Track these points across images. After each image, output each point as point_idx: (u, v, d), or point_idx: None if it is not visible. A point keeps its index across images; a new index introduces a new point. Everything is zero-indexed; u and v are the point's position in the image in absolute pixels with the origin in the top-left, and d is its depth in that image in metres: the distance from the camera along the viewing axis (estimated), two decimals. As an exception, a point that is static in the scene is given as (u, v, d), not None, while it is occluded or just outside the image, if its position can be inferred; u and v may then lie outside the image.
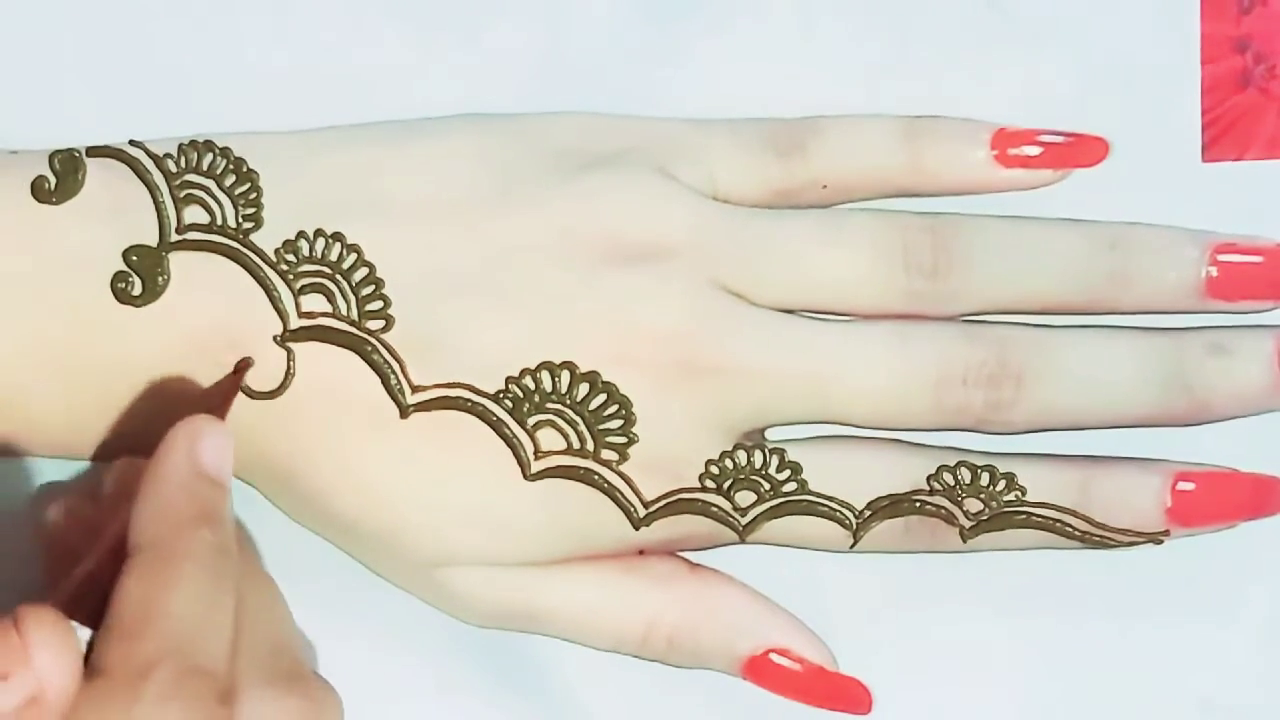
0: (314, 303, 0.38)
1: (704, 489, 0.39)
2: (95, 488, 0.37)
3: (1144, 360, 0.39)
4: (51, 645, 0.31)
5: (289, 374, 0.38)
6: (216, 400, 0.37)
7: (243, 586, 0.34)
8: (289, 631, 0.37)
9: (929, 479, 0.39)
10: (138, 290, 0.37)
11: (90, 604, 0.33)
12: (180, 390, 0.37)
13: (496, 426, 0.38)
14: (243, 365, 0.37)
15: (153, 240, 0.38)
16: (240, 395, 0.37)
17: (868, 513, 0.39)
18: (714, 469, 0.38)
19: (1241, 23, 0.41)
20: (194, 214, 0.38)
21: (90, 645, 0.32)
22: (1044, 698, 0.41)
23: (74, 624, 0.32)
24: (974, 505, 0.39)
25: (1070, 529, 0.39)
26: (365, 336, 0.38)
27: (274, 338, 0.37)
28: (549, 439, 0.38)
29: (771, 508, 0.39)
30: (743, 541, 0.39)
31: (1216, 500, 0.39)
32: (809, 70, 0.41)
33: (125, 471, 0.36)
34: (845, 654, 0.40)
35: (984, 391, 0.39)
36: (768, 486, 0.39)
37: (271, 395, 0.38)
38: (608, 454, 0.38)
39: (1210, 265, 0.40)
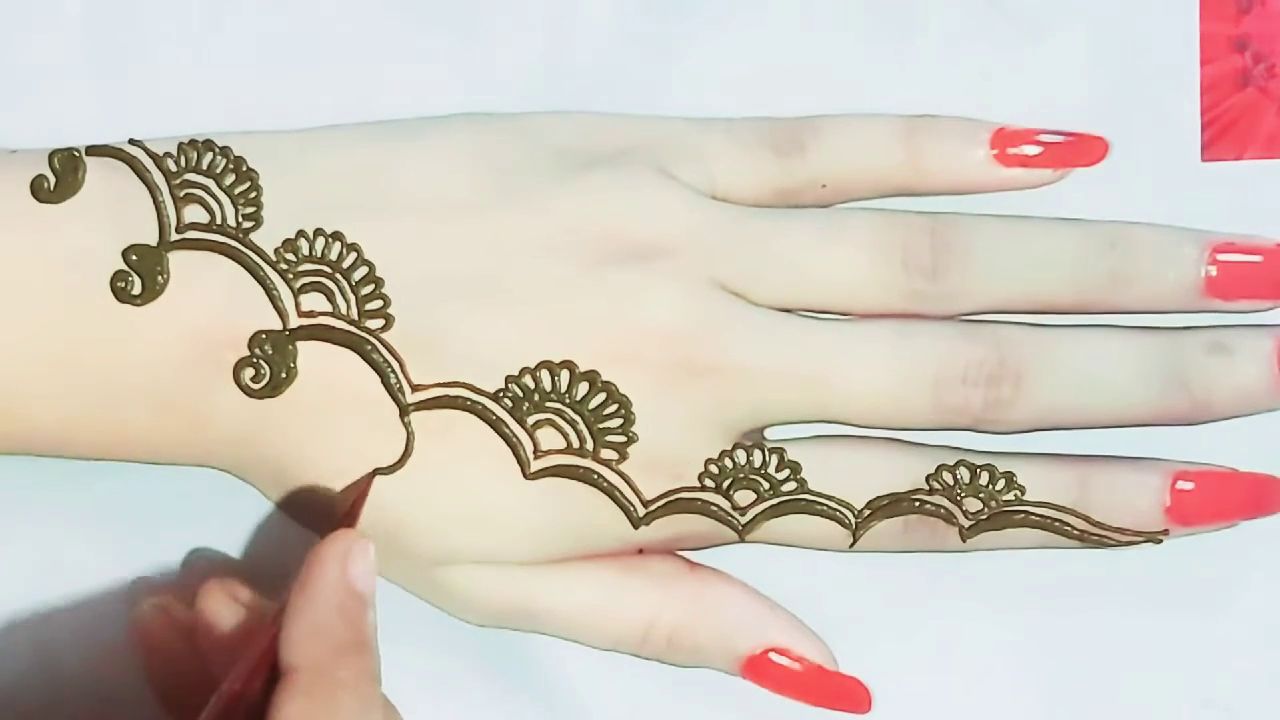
0: (314, 302, 0.38)
1: (703, 488, 0.39)
2: (185, 587, 0.38)
3: (1143, 359, 0.39)
4: None
5: (408, 449, 0.38)
6: (349, 506, 0.37)
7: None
8: None
9: (928, 478, 0.39)
10: (137, 289, 0.37)
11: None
12: (185, 395, 0.38)
13: (496, 425, 0.38)
14: (373, 474, 0.38)
15: (152, 239, 0.38)
16: (238, 393, 0.37)
17: (867, 512, 0.39)
18: (713, 468, 0.38)
19: (1240, 22, 0.41)
20: (194, 213, 0.38)
21: None
22: (1043, 697, 0.41)
23: None
24: (973, 504, 0.39)
25: (1069, 528, 0.39)
26: (365, 335, 0.38)
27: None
28: (548, 438, 0.38)
29: (771, 507, 0.39)
30: (742, 541, 0.39)
31: (1215, 499, 0.39)
32: (809, 70, 0.41)
33: (264, 606, 0.37)
34: (845, 653, 0.40)
35: (983, 390, 0.39)
36: (767, 486, 0.39)
37: (271, 395, 0.38)
38: (607, 453, 0.38)
39: (1209, 264, 0.40)
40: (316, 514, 0.39)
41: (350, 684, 0.33)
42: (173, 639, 0.38)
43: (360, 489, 0.37)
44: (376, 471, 0.38)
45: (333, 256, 0.38)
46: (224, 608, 0.37)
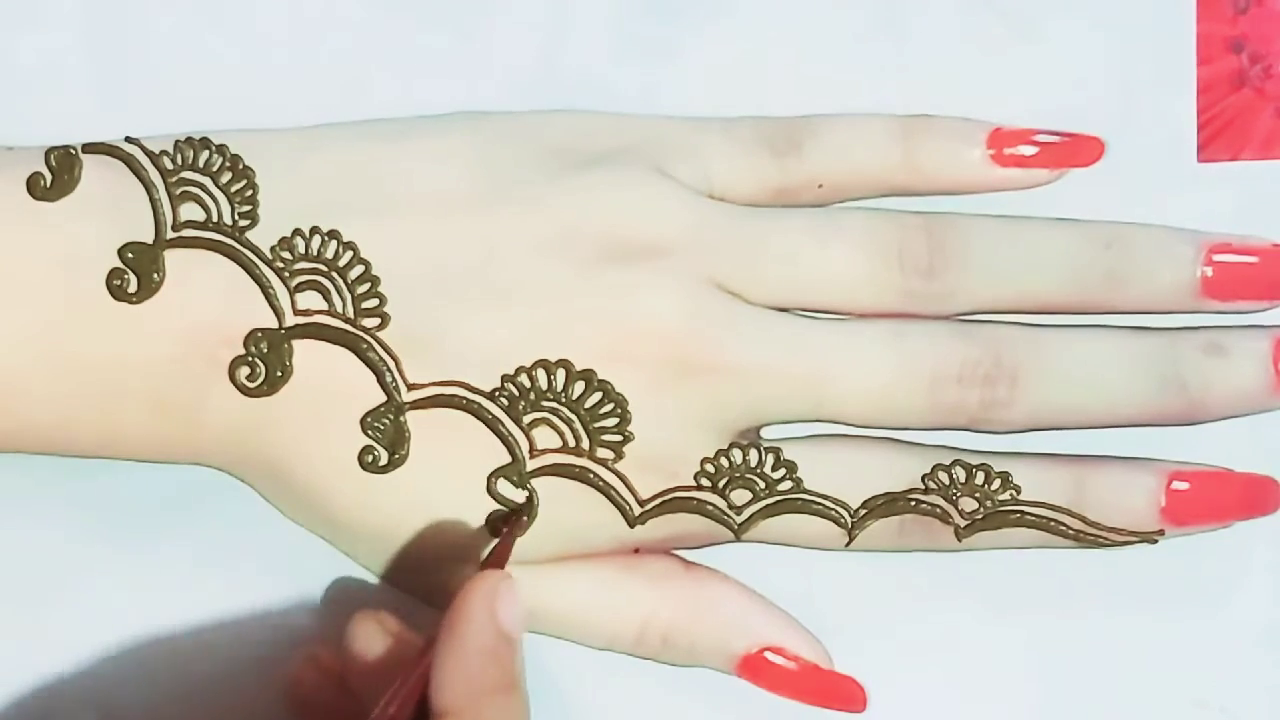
0: (309, 300, 0.38)
1: (699, 487, 0.39)
2: (336, 634, 0.38)
3: (1139, 360, 0.39)
4: None
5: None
6: (497, 545, 0.37)
7: None
8: None
9: (924, 478, 0.39)
10: (133, 287, 0.37)
11: None
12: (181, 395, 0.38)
13: (492, 424, 0.38)
14: (521, 513, 0.38)
15: (148, 237, 0.38)
16: (234, 391, 0.37)
17: (863, 511, 0.39)
18: (709, 467, 0.38)
19: (1237, 23, 0.41)
20: (190, 211, 0.38)
21: None
22: (1038, 696, 0.41)
23: None
24: (969, 504, 0.39)
25: (1065, 528, 0.39)
26: (360, 334, 0.38)
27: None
28: (544, 437, 0.38)
29: (767, 506, 0.39)
30: (738, 540, 0.39)
31: (1210, 500, 0.39)
32: (806, 70, 0.41)
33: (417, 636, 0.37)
34: (840, 652, 0.40)
35: (979, 390, 0.39)
36: (763, 485, 0.39)
37: (267, 393, 0.38)
38: (603, 452, 0.38)
39: (1205, 265, 0.40)
40: (313, 513, 0.39)
41: None
42: (325, 688, 0.38)
43: (508, 528, 0.38)
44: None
45: (329, 255, 0.38)
46: (375, 638, 0.37)
